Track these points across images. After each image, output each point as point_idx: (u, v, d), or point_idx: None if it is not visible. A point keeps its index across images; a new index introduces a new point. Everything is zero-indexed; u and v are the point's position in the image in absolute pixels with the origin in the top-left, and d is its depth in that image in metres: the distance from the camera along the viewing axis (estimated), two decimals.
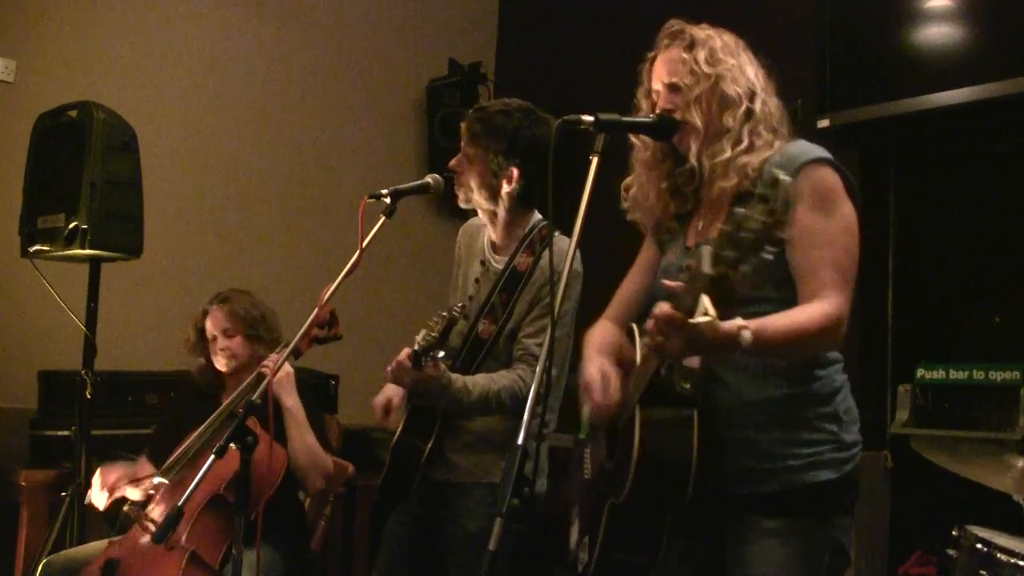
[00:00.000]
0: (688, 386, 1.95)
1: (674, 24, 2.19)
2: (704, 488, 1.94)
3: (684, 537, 2.11)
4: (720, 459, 1.98)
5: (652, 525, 2.05)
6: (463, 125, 2.83)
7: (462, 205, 2.86)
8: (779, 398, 2.03)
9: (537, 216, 2.87)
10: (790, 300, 1.97)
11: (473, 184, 2.80)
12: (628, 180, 2.28)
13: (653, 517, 2.04)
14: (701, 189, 2.20)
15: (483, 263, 2.90)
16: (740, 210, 1.58)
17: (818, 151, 2.04)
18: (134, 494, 3.22)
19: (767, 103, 2.13)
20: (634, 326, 2.18)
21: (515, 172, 2.76)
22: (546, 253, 2.69)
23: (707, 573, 2.13)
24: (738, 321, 1.75)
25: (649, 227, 2.31)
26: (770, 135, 2.09)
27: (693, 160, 2.12)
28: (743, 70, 2.12)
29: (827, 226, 1.96)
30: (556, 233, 2.55)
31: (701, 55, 2.11)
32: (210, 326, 3.40)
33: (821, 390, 2.06)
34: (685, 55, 2.12)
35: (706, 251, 1.61)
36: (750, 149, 2.06)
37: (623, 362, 2.17)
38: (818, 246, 1.92)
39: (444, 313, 2.61)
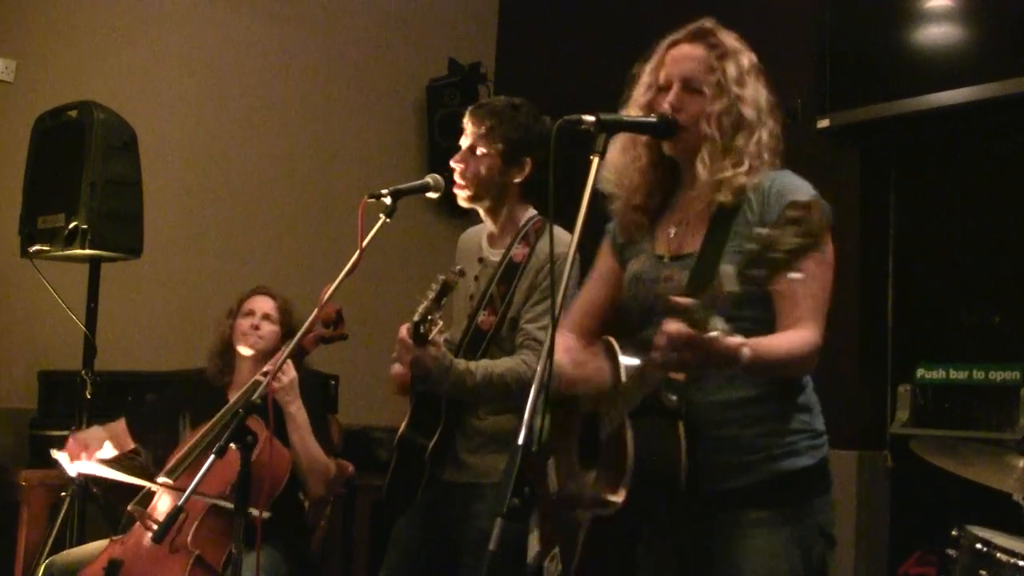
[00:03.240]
0: (675, 398, 1.99)
1: (707, 23, 2.20)
2: (692, 490, 1.99)
3: (663, 545, 2.18)
4: (706, 459, 2.03)
5: (637, 536, 2.13)
6: (469, 120, 2.85)
7: (464, 203, 2.87)
8: (757, 396, 2.09)
9: (532, 211, 2.89)
10: (763, 321, 2.04)
11: (481, 177, 2.81)
12: (615, 144, 2.24)
13: (637, 527, 2.12)
14: (677, 194, 2.22)
15: (481, 260, 2.92)
16: (765, 230, 1.63)
17: (810, 189, 2.10)
18: (107, 453, 3.23)
19: (773, 129, 2.17)
20: (612, 340, 2.17)
21: (529, 162, 2.82)
22: (541, 242, 2.77)
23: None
24: (739, 338, 1.83)
25: (619, 209, 2.30)
26: (770, 158, 2.15)
27: (701, 169, 2.12)
28: (759, 94, 2.16)
29: (814, 261, 2.03)
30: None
31: (731, 70, 2.14)
32: (255, 304, 3.40)
33: (794, 385, 2.14)
34: (715, 63, 2.14)
35: (729, 270, 1.67)
36: (749, 172, 2.11)
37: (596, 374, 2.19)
38: (804, 278, 1.97)
39: (441, 276, 2.59)
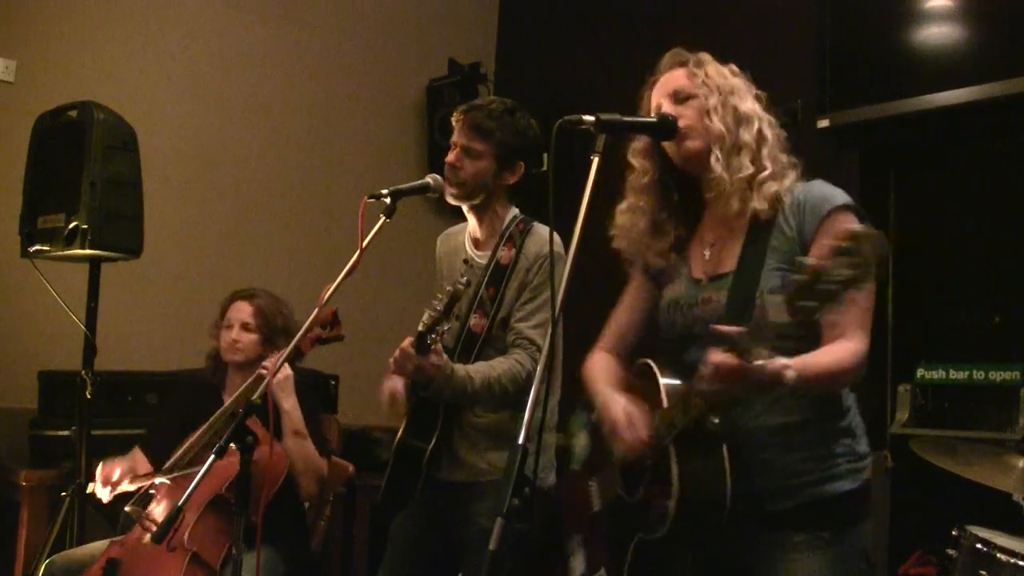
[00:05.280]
0: (718, 421, 1.99)
1: (676, 51, 2.24)
2: (736, 513, 1.99)
3: (708, 567, 2.16)
4: (749, 482, 2.03)
5: (681, 556, 2.13)
6: (466, 122, 2.86)
7: (452, 200, 2.88)
8: (800, 421, 2.09)
9: (514, 210, 2.92)
10: (807, 338, 2.01)
11: (475, 178, 2.83)
12: (622, 206, 2.29)
13: (685, 548, 2.11)
14: (704, 214, 2.22)
15: (466, 261, 2.93)
16: (817, 262, 1.62)
17: (843, 196, 2.09)
18: (125, 486, 3.23)
19: (771, 121, 2.18)
20: (651, 363, 2.17)
21: (522, 165, 2.85)
22: (527, 242, 2.81)
23: None
24: (782, 360, 1.84)
25: (635, 260, 2.32)
26: (785, 158, 2.15)
27: (719, 169, 2.11)
28: (747, 92, 2.18)
29: None
30: (534, 223, 2.78)
31: (711, 70, 2.18)
32: (233, 313, 3.43)
33: (837, 409, 2.13)
34: (695, 70, 2.18)
35: (777, 300, 1.67)
36: (773, 176, 2.11)
37: (635, 396, 2.19)
38: None
39: (448, 288, 2.61)
